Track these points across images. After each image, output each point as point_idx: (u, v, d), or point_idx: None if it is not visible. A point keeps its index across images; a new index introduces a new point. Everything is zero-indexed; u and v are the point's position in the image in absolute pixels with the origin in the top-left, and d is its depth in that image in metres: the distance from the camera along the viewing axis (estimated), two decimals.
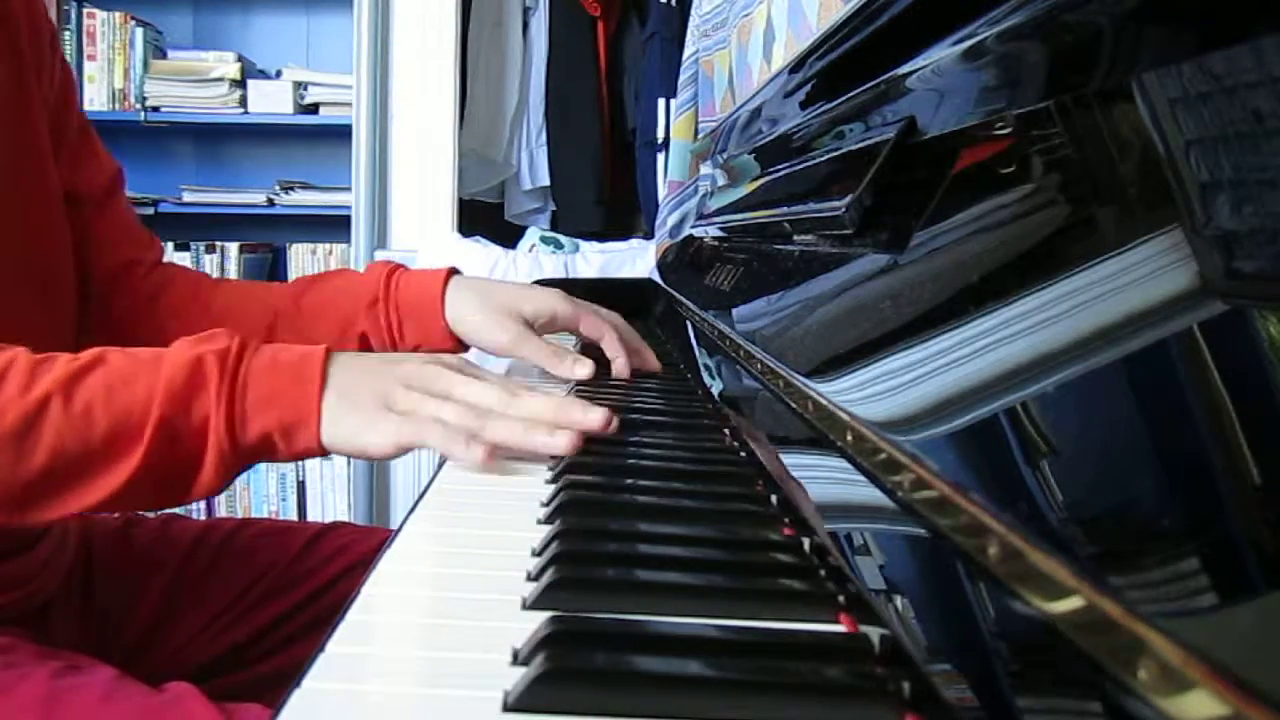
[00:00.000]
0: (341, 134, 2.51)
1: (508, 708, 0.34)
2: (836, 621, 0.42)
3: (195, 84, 2.73)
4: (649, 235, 2.47)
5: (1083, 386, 0.32)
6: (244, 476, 2.70)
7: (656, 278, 1.46)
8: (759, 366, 0.66)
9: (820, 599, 0.43)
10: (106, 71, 2.76)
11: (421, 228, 2.47)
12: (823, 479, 0.50)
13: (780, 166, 0.95)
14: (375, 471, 2.49)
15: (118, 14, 2.77)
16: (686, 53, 1.88)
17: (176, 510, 0.88)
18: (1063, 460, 0.32)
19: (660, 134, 2.50)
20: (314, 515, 2.64)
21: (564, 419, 0.64)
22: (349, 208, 2.47)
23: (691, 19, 1.86)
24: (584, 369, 0.86)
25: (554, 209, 2.88)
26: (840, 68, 0.79)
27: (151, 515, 0.96)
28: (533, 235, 2.61)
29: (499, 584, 0.45)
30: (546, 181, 2.82)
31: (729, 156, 1.30)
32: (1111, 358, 0.32)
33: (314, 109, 2.73)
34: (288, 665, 0.86)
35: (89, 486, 0.63)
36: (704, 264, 1.15)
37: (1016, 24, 0.47)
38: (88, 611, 0.86)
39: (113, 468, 0.63)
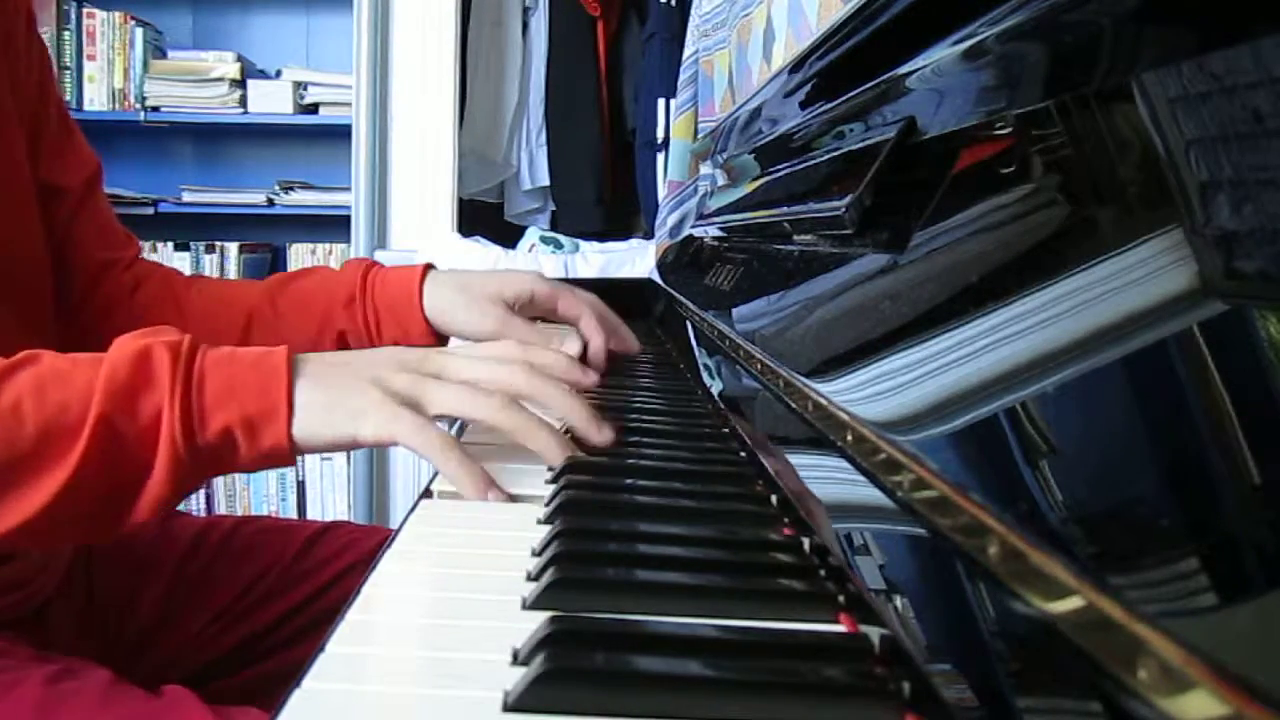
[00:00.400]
0: (341, 134, 2.51)
1: (508, 708, 0.34)
2: (836, 621, 0.42)
3: (195, 84, 2.73)
4: (649, 235, 2.47)
5: (1083, 386, 0.32)
6: (244, 476, 2.70)
7: (656, 278, 1.46)
8: (759, 366, 0.65)
9: (820, 599, 0.43)
10: (106, 71, 2.77)
11: (421, 228, 2.47)
12: (823, 479, 0.50)
13: (780, 166, 0.95)
14: (375, 471, 2.49)
15: (117, 14, 2.77)
16: (686, 53, 1.88)
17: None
18: (1063, 460, 0.32)
19: (660, 134, 2.50)
20: (314, 514, 2.64)
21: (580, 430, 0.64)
22: (349, 208, 2.46)
23: (691, 19, 1.86)
24: (572, 346, 0.86)
25: (554, 209, 2.88)
26: (840, 68, 0.79)
27: None
28: (532, 235, 2.61)
29: (499, 584, 0.45)
30: (546, 181, 2.82)
31: (729, 156, 1.30)
32: (1111, 358, 0.32)
33: (314, 109, 2.73)
34: (288, 665, 0.85)
35: (15, 498, 0.55)
36: (704, 264, 1.15)
37: (1016, 24, 0.47)
38: (87, 611, 0.86)
39: (43, 475, 0.55)
